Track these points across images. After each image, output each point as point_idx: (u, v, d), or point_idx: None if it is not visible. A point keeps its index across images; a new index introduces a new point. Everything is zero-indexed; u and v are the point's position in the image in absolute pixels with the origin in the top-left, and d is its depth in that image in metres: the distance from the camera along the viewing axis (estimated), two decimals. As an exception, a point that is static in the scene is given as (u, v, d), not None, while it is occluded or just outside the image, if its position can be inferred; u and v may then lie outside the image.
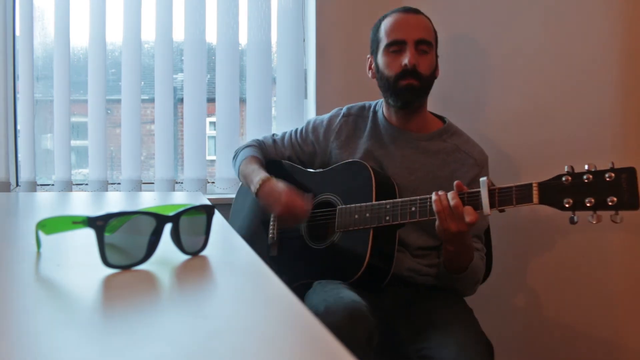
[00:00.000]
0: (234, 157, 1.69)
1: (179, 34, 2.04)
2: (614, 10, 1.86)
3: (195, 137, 2.04)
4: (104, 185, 1.98)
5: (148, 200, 1.43)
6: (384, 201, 1.35)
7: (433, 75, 1.49)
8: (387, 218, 1.33)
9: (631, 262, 1.87)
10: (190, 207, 0.64)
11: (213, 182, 2.10)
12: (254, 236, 1.60)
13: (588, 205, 1.09)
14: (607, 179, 1.07)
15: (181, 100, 2.07)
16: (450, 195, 1.24)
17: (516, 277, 1.95)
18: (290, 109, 2.13)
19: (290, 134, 1.67)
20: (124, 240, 0.59)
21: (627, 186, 1.06)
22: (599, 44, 1.87)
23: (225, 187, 2.08)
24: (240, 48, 2.10)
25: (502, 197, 1.19)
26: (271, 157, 1.65)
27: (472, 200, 1.22)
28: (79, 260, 0.63)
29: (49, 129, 2.00)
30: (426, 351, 1.24)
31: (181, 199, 1.50)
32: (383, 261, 1.37)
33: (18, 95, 1.94)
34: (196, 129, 2.04)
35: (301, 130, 1.65)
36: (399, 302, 1.43)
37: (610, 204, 1.06)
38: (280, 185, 1.41)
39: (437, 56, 1.53)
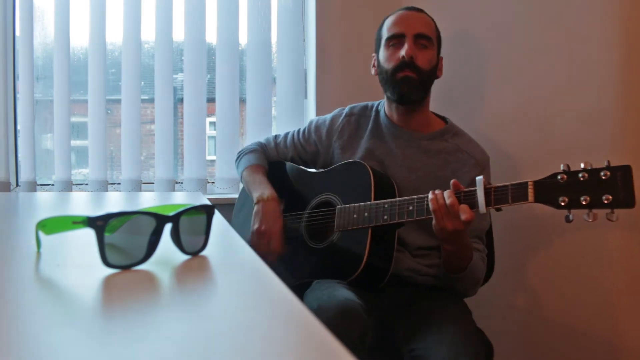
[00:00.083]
0: (237, 159, 1.71)
1: (179, 34, 2.04)
2: (613, 9, 1.86)
3: (195, 137, 2.04)
4: (104, 185, 1.98)
5: (148, 200, 1.43)
6: (382, 200, 1.35)
7: (433, 71, 1.49)
8: (385, 217, 1.33)
9: (631, 261, 1.87)
10: (190, 207, 0.64)
11: (213, 182, 2.10)
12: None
13: (583, 203, 1.08)
14: (603, 177, 1.07)
15: (181, 100, 2.07)
16: (446, 194, 1.24)
17: (516, 277, 1.95)
18: (290, 109, 2.13)
19: (293, 135, 1.67)
20: (124, 240, 0.59)
21: (622, 184, 1.05)
22: (598, 43, 1.87)
23: (225, 187, 2.08)
24: (240, 48, 2.10)
25: (498, 196, 1.19)
26: (273, 160, 1.66)
27: (468, 198, 1.23)
28: (79, 260, 0.63)
29: (49, 129, 2.00)
30: (420, 351, 1.24)
31: (181, 199, 1.50)
32: (382, 261, 1.37)
33: (18, 95, 1.94)
34: (196, 129, 2.04)
35: (303, 130, 1.66)
36: (398, 302, 1.43)
37: (605, 202, 1.06)
38: (275, 213, 1.44)
39: (439, 56, 1.53)
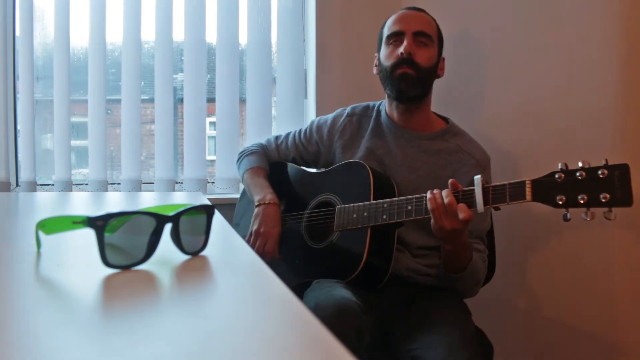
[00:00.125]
0: (238, 160, 1.72)
1: (179, 34, 2.04)
2: (613, 9, 1.86)
3: (195, 137, 2.04)
4: (104, 185, 1.98)
5: (148, 200, 1.43)
6: (381, 200, 1.35)
7: (433, 69, 1.49)
8: (384, 217, 1.34)
9: (631, 261, 1.87)
10: (190, 207, 0.64)
11: (213, 182, 2.10)
12: None
13: (581, 202, 1.08)
14: (600, 176, 1.07)
15: (181, 100, 2.07)
16: (444, 193, 1.24)
17: (516, 277, 1.95)
18: (290, 109, 2.13)
19: (294, 135, 1.67)
20: (124, 240, 0.59)
21: (619, 183, 1.05)
22: (598, 43, 1.87)
23: (225, 187, 2.08)
24: (240, 48, 2.10)
25: (495, 195, 1.19)
26: (274, 161, 1.67)
27: (466, 198, 1.23)
28: (79, 260, 0.63)
29: (49, 129, 2.00)
30: (416, 351, 1.24)
31: (181, 199, 1.50)
32: (381, 260, 1.37)
33: (18, 95, 1.94)
34: (196, 129, 2.04)
35: (305, 130, 1.66)
36: (398, 302, 1.43)
37: (603, 200, 1.06)
38: (275, 218, 1.46)
39: (441, 56, 1.53)
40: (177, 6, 2.02)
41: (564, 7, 1.90)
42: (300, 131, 1.67)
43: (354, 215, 1.38)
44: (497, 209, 1.22)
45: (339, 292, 1.25)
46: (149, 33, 2.01)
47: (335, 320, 1.15)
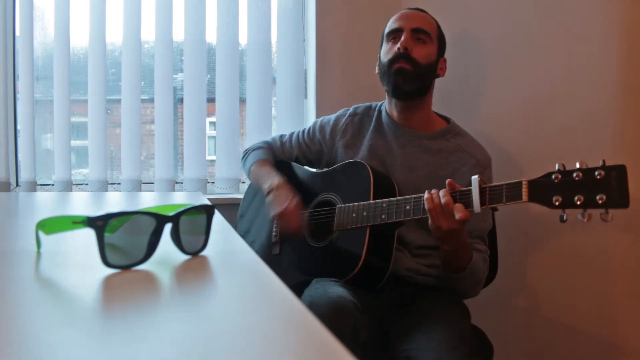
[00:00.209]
0: (243, 158, 1.73)
1: (179, 34, 2.04)
2: (613, 9, 1.86)
3: (195, 137, 2.04)
4: (104, 185, 1.98)
5: (148, 200, 1.43)
6: (380, 200, 1.36)
7: (431, 67, 1.50)
8: (383, 217, 1.34)
9: (632, 261, 1.87)
10: (190, 207, 0.64)
11: (213, 182, 2.10)
12: (260, 234, 1.63)
13: (577, 203, 1.07)
14: (597, 177, 1.06)
15: (181, 100, 2.07)
16: (441, 193, 1.24)
17: (516, 277, 1.95)
18: (290, 109, 2.13)
19: (298, 134, 1.68)
20: (124, 240, 0.59)
21: (616, 184, 1.04)
22: (598, 43, 1.87)
23: (225, 187, 2.08)
24: (240, 48, 2.10)
25: (492, 195, 1.19)
26: (279, 158, 1.68)
27: (463, 198, 1.23)
28: (79, 260, 0.63)
29: (49, 129, 2.00)
30: (411, 352, 1.24)
31: (181, 199, 1.50)
32: (380, 260, 1.37)
33: (18, 95, 1.94)
34: (196, 129, 2.04)
35: (308, 130, 1.67)
36: (397, 301, 1.43)
37: (599, 202, 1.05)
38: (289, 195, 1.46)
39: (442, 56, 1.54)
40: (177, 6, 2.02)
41: (564, 7, 1.90)
42: (304, 130, 1.68)
43: (354, 215, 1.39)
44: (494, 209, 1.21)
45: (335, 290, 1.25)
46: (149, 33, 2.01)
47: (330, 318, 1.14)
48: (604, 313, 1.89)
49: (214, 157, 2.11)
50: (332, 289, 1.26)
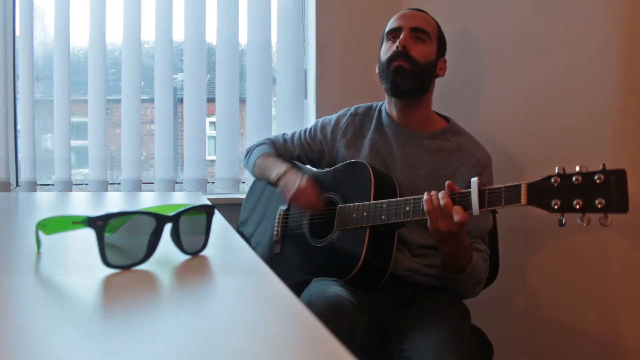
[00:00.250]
0: (246, 155, 1.73)
1: (179, 34, 2.04)
2: (613, 9, 1.86)
3: (195, 137, 2.04)
4: (104, 186, 1.98)
5: (148, 200, 1.43)
6: (380, 201, 1.36)
7: (430, 66, 1.50)
8: (383, 217, 1.34)
9: (632, 262, 1.87)
10: (190, 207, 0.64)
11: (213, 182, 2.10)
12: (262, 233, 1.64)
13: (576, 207, 1.06)
14: (597, 181, 1.05)
15: (181, 100, 2.07)
16: (441, 195, 1.24)
17: (516, 277, 1.95)
18: (290, 109, 2.13)
19: (300, 134, 1.69)
20: (124, 240, 0.59)
21: (616, 188, 1.03)
22: (598, 43, 1.87)
23: (225, 187, 2.08)
24: (240, 48, 2.10)
25: (491, 198, 1.18)
26: (282, 155, 1.68)
27: (462, 200, 1.22)
28: (79, 260, 0.63)
29: (49, 129, 2.00)
30: (408, 352, 1.24)
31: (181, 199, 1.50)
32: (380, 260, 1.37)
33: (18, 95, 1.94)
34: (196, 129, 2.04)
35: (310, 129, 1.68)
36: (396, 301, 1.43)
37: (598, 206, 1.04)
38: (298, 175, 1.46)
39: (442, 56, 1.54)
40: (177, 6, 2.02)
41: (564, 7, 1.90)
42: (306, 130, 1.69)
43: (354, 215, 1.39)
44: (493, 211, 1.21)
45: (333, 289, 1.25)
46: (149, 33, 2.01)
47: (327, 317, 1.14)
48: (604, 313, 1.89)
49: (214, 157, 2.11)
50: (330, 289, 1.26)
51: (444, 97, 1.73)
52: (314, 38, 2.07)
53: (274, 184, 1.51)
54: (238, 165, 2.08)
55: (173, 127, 2.04)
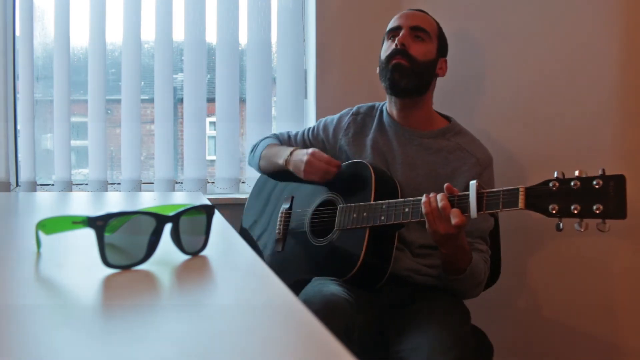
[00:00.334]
0: (252, 150, 1.75)
1: (179, 34, 2.04)
2: (613, 9, 1.86)
3: (195, 137, 2.04)
4: (104, 185, 1.98)
5: (148, 200, 1.43)
6: (380, 201, 1.36)
7: (429, 64, 1.50)
8: (382, 218, 1.34)
9: (632, 262, 1.87)
10: (190, 207, 0.64)
11: (213, 182, 2.10)
12: (264, 232, 1.64)
13: (574, 212, 1.06)
14: (595, 186, 1.04)
15: (181, 100, 2.07)
16: (439, 197, 1.24)
17: (516, 277, 1.95)
18: (290, 109, 2.13)
19: (304, 132, 1.70)
20: (124, 240, 0.59)
21: (614, 194, 1.02)
22: (598, 43, 1.87)
23: (225, 187, 2.08)
24: (240, 48, 2.10)
25: (489, 201, 1.18)
26: None
27: (461, 203, 1.22)
28: (79, 260, 0.63)
29: (49, 129, 2.00)
30: (404, 353, 1.24)
31: (181, 199, 1.50)
32: (380, 260, 1.37)
33: (18, 95, 1.94)
34: (196, 129, 2.04)
35: (313, 128, 1.69)
36: (395, 301, 1.43)
37: (596, 212, 1.03)
38: (304, 151, 1.51)
39: (442, 56, 1.54)
40: (177, 6, 2.01)
41: (563, 7, 1.90)
42: (309, 129, 1.70)
43: (354, 215, 1.39)
44: (492, 214, 1.21)
45: (330, 289, 1.25)
46: (149, 33, 2.01)
47: (322, 316, 1.14)
48: (604, 313, 1.89)
49: (214, 157, 2.11)
50: (327, 288, 1.26)
51: (444, 97, 1.73)
52: (314, 38, 2.07)
53: (284, 167, 1.54)
54: (238, 165, 2.08)
55: (173, 127, 2.04)
